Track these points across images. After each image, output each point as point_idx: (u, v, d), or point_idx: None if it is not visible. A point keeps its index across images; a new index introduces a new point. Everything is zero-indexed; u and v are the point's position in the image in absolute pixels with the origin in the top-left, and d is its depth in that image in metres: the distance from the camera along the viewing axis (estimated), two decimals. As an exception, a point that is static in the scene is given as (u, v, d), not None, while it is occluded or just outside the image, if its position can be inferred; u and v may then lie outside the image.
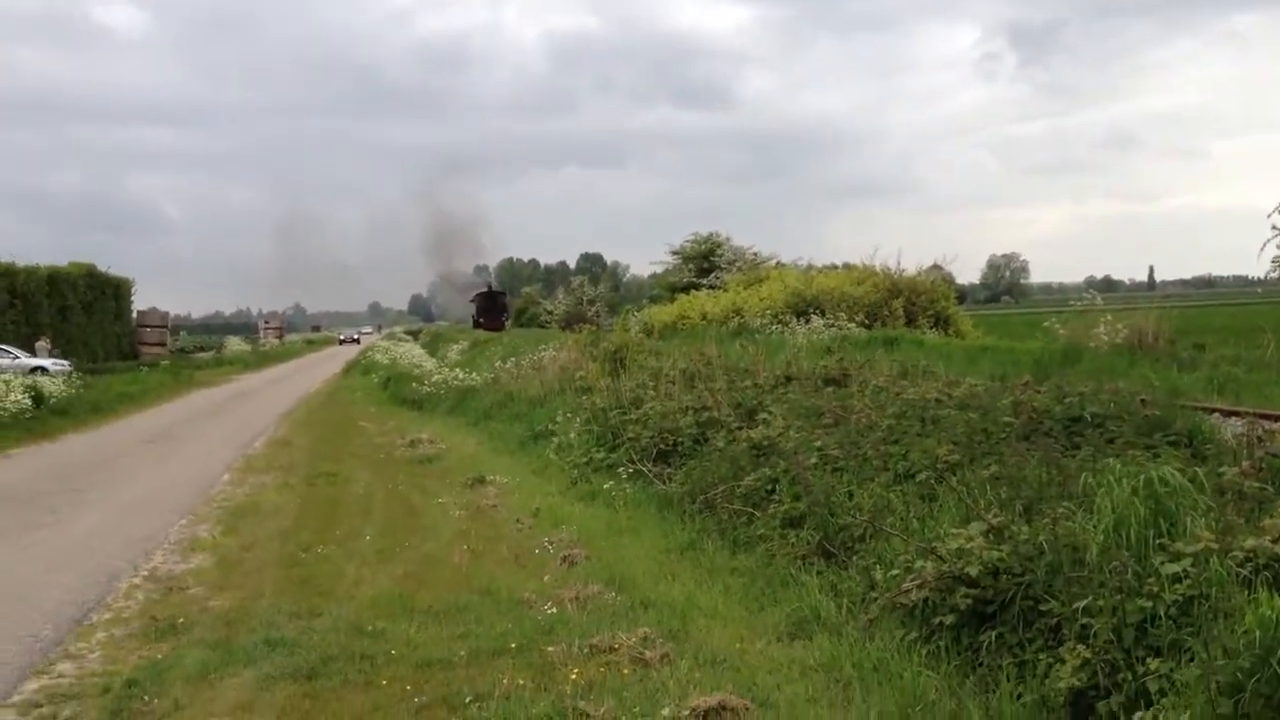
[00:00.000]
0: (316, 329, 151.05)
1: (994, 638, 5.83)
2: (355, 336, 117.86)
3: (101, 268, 53.00)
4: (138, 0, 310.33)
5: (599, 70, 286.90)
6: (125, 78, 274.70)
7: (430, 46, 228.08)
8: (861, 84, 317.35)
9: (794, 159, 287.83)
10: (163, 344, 61.40)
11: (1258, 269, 18.73)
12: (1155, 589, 5.32)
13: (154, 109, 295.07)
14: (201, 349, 73.74)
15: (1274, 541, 5.53)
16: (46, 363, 37.35)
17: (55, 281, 46.63)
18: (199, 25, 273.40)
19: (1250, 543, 5.53)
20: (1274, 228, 17.89)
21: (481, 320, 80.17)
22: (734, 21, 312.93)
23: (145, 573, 9.88)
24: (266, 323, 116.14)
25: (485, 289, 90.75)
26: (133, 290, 58.54)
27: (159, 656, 7.26)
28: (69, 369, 35.71)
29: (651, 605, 7.73)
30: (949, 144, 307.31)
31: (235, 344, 77.22)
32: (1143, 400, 9.11)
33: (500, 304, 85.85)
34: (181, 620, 8.10)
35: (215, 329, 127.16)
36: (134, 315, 59.33)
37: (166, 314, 66.08)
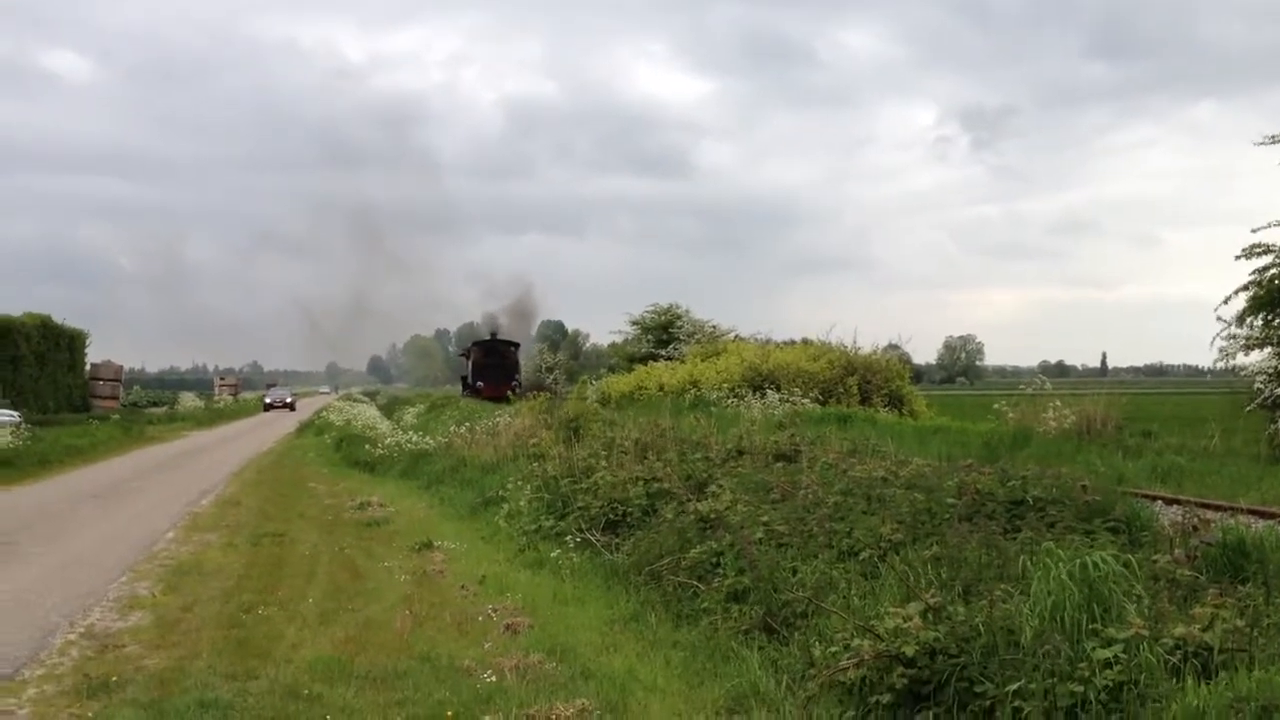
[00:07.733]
0: (272, 386, 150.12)
1: (930, 718, 5.88)
2: (287, 400, 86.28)
3: (57, 319, 52.53)
4: (82, 47, 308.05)
5: (557, 136, 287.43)
6: (74, 125, 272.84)
7: (384, 105, 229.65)
8: (820, 159, 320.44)
9: (752, 230, 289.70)
10: (115, 397, 60.63)
11: (1207, 359, 19.14)
12: (1087, 674, 5.41)
13: (106, 158, 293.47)
14: (154, 404, 72.75)
15: (1203, 630, 5.64)
16: (-7, 413, 36.76)
17: (9, 332, 46.01)
18: (146, 75, 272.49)
19: (1180, 630, 5.64)
20: (1219, 319, 18.34)
21: (480, 384, 56.10)
22: (694, 93, 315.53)
23: (81, 629, 9.70)
24: (222, 379, 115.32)
25: (489, 336, 64.95)
26: (87, 342, 57.91)
27: (90, 715, 7.13)
28: (18, 420, 35.18)
29: (592, 676, 7.70)
30: (907, 222, 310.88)
31: (189, 400, 76.37)
32: (1084, 485, 9.26)
33: (511, 360, 60.52)
34: (115, 679, 7.95)
35: (170, 384, 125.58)
36: (88, 368, 58.65)
37: (120, 367, 65.28)
